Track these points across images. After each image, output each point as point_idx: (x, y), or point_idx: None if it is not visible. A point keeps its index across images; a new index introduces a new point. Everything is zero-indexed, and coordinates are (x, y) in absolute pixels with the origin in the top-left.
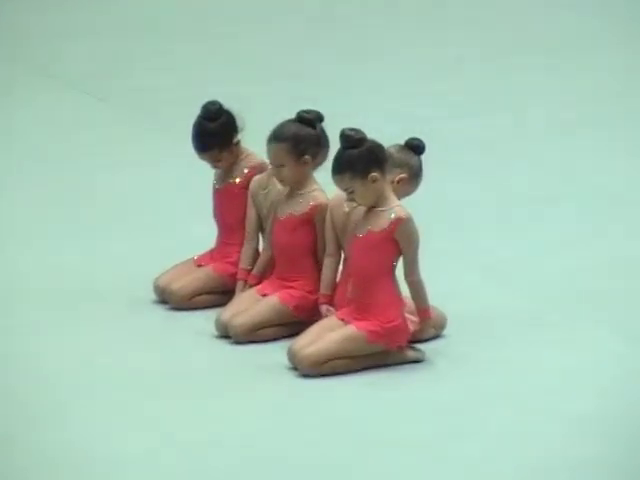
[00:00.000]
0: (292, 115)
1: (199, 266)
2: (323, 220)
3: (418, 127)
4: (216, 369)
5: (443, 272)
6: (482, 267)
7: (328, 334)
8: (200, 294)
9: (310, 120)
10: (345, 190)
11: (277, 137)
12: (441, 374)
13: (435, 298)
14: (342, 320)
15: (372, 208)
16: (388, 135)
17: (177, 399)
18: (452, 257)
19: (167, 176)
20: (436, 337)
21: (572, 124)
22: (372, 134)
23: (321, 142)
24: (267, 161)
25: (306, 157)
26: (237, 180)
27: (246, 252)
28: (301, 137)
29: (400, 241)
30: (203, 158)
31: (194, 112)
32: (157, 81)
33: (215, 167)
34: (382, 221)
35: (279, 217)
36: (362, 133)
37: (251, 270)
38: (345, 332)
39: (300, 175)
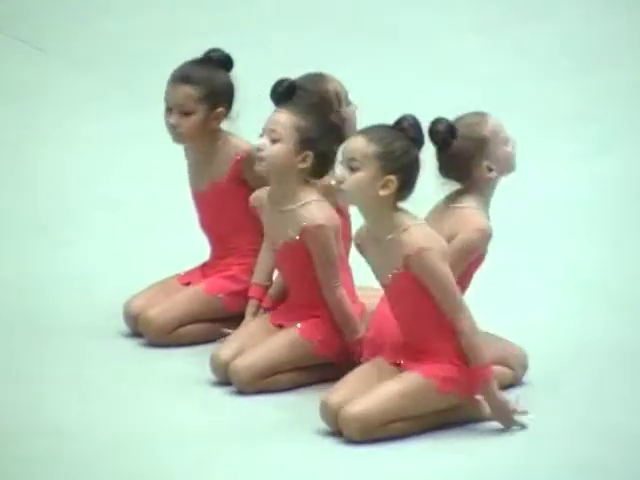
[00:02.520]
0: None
1: (185, 284)
2: (320, 248)
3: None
4: (212, 431)
5: (516, 292)
6: (576, 285)
7: (380, 384)
8: (187, 323)
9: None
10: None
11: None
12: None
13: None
14: (397, 365)
15: (383, 236)
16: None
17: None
18: (531, 271)
19: (137, 156)
20: (517, 383)
21: None
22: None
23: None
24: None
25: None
26: (223, 176)
27: (263, 262)
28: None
29: (423, 280)
30: (171, 97)
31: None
32: (117, 29)
33: (174, 130)
34: (395, 257)
35: (274, 246)
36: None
37: (268, 288)
38: (407, 381)
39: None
